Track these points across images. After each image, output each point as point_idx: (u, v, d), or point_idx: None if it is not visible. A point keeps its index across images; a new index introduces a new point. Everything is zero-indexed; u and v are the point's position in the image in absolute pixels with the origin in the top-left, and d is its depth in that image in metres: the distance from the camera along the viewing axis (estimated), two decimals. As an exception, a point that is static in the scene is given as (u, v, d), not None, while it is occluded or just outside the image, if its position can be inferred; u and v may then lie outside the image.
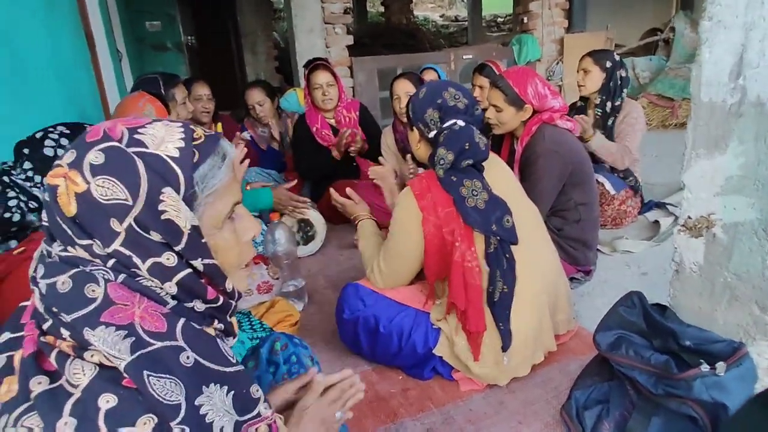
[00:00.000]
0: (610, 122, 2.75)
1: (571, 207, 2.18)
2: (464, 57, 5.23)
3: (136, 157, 0.60)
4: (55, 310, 0.57)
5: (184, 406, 0.57)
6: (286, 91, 4.03)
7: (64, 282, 0.57)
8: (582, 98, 2.92)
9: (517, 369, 1.51)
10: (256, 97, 3.19)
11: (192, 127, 0.67)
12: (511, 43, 5.56)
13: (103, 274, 0.59)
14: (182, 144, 0.63)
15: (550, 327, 1.56)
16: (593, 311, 1.89)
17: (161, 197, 0.60)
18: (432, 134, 1.52)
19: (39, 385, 0.56)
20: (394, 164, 2.78)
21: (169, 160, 0.61)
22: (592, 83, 2.78)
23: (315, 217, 2.59)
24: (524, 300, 1.49)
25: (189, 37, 8.69)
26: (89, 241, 0.59)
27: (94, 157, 0.58)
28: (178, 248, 0.62)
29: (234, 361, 0.65)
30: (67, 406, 0.54)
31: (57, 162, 0.60)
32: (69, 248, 0.59)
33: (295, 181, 2.62)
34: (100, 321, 0.56)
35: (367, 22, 10.13)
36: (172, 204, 0.60)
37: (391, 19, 9.20)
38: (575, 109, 2.95)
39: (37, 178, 1.42)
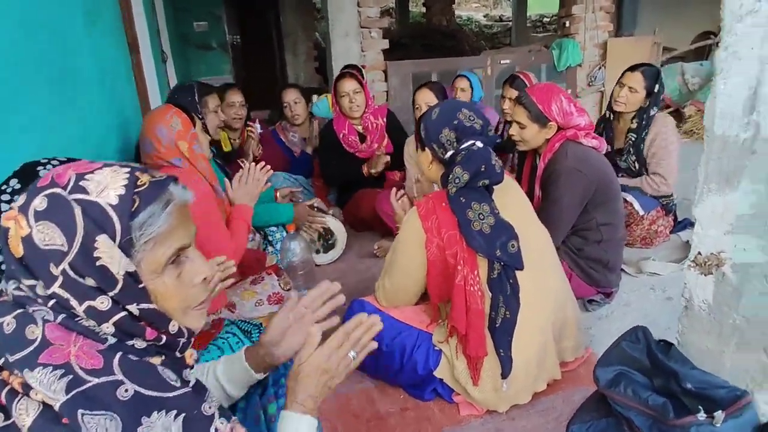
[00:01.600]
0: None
1: (593, 227, 2.12)
2: (501, 62, 5.14)
3: (75, 204, 0.62)
4: (3, 350, 0.60)
5: None
6: (319, 97, 4.08)
7: (8, 323, 0.61)
8: (610, 109, 2.81)
9: (518, 396, 1.49)
10: (291, 95, 3.28)
11: (138, 174, 0.68)
12: (550, 48, 5.43)
13: (43, 315, 0.62)
14: (123, 191, 0.65)
15: (554, 354, 1.53)
16: (609, 336, 1.83)
17: (95, 244, 0.62)
18: (449, 155, 1.50)
19: None
20: (417, 173, 2.78)
21: (107, 208, 0.64)
22: (634, 104, 2.63)
23: (336, 225, 2.62)
24: (527, 327, 1.47)
25: (234, 37, 8.92)
26: (33, 282, 0.62)
27: (39, 202, 0.62)
28: (112, 294, 0.64)
29: (178, 386, 0.66)
30: None
31: (11, 205, 0.64)
32: (21, 286, 0.63)
33: (316, 200, 2.66)
34: (38, 362, 0.59)
35: (409, 22, 10.10)
36: (106, 251, 0.63)
37: (431, 20, 9.14)
38: (603, 122, 2.85)
39: None
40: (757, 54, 1.03)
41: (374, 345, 0.96)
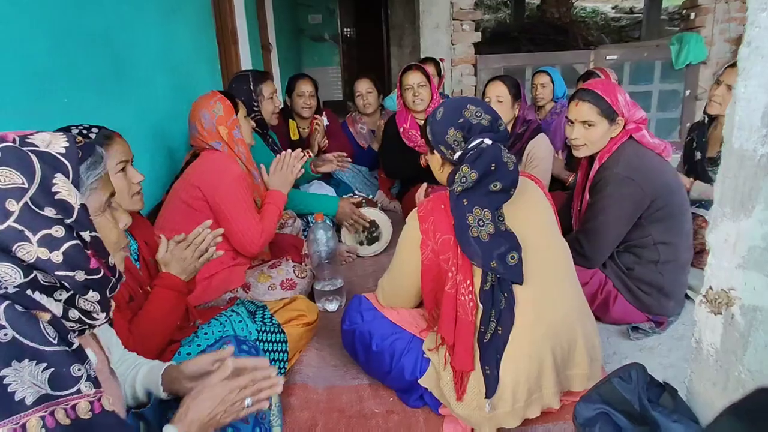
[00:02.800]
0: None
1: (648, 245, 1.88)
2: (607, 58, 4.73)
3: (29, 152, 0.73)
4: None
5: None
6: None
7: None
8: (707, 115, 2.45)
9: (505, 419, 1.37)
10: (365, 85, 3.34)
11: (73, 135, 0.81)
12: (669, 43, 4.87)
13: None
14: (67, 144, 0.77)
15: (553, 381, 1.38)
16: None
17: (54, 181, 0.73)
18: (457, 155, 1.41)
19: None
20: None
21: (57, 155, 0.75)
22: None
23: (382, 219, 2.61)
24: (521, 346, 1.34)
25: (347, 29, 9.22)
26: None
27: None
28: (69, 221, 0.74)
29: (55, 343, 0.73)
30: None
31: None
32: None
33: (362, 198, 2.67)
34: None
35: (524, 15, 9.65)
36: (63, 186, 0.74)
37: (546, 13, 8.63)
38: (697, 127, 2.50)
39: None
40: (782, 50, 0.83)
41: (266, 405, 1.01)
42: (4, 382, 0.67)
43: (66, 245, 0.73)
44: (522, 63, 4.56)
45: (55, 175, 0.73)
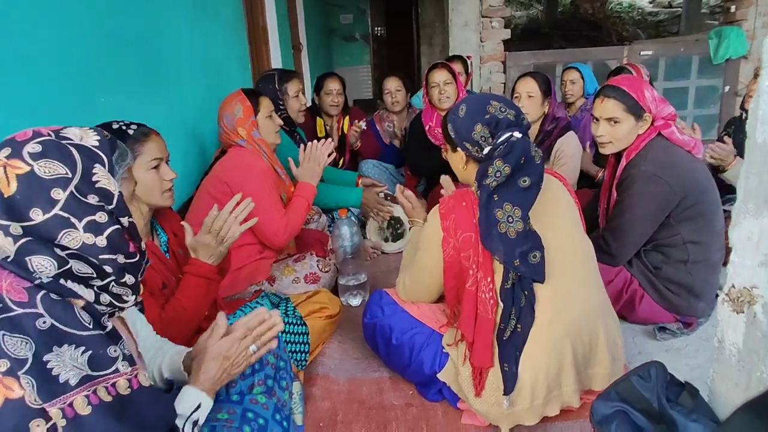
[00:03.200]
0: None
1: (677, 244, 1.84)
2: (641, 53, 4.61)
3: (68, 144, 0.79)
4: None
5: (30, 361, 0.71)
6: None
7: None
8: (744, 110, 2.37)
9: (523, 416, 1.37)
10: (394, 83, 3.36)
11: (100, 129, 0.86)
12: (707, 37, 4.71)
13: None
14: (99, 137, 0.84)
15: (572, 380, 1.37)
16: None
17: (93, 170, 0.80)
18: (486, 151, 1.41)
19: None
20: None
21: (93, 147, 0.82)
22: None
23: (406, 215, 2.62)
24: (540, 343, 1.34)
25: (377, 29, 9.26)
26: (7, 222, 0.75)
27: (32, 147, 0.77)
28: (110, 207, 0.80)
29: (90, 327, 0.78)
30: None
31: None
32: None
33: (386, 186, 2.68)
34: None
35: (557, 11, 9.47)
36: (103, 176, 0.81)
37: (579, 9, 8.46)
38: (733, 123, 2.42)
39: None
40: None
41: (273, 345, 1.05)
42: (48, 366, 0.72)
43: (109, 230, 0.80)
44: (552, 60, 4.49)
45: (94, 166, 0.80)
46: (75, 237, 0.77)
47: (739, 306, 0.99)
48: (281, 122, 2.12)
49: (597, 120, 1.89)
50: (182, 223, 1.44)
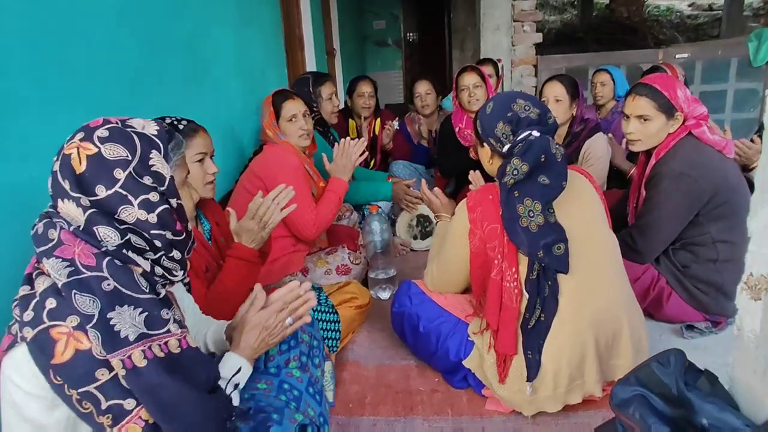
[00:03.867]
0: None
1: (707, 242, 1.84)
2: (677, 56, 4.54)
3: (131, 132, 0.90)
4: (36, 244, 0.86)
5: (96, 317, 0.81)
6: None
7: (38, 228, 0.87)
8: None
9: (545, 404, 1.41)
10: (424, 86, 3.44)
11: (160, 122, 0.96)
12: (747, 39, 4.61)
13: (60, 225, 0.86)
14: (158, 128, 0.94)
15: (595, 369, 1.41)
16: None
17: (150, 155, 0.89)
18: (506, 148, 1.47)
19: (23, 290, 0.86)
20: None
21: (152, 136, 0.92)
22: None
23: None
24: (563, 333, 1.38)
25: (410, 34, 9.37)
26: (79, 195, 0.85)
27: (101, 132, 0.88)
28: (162, 189, 0.89)
29: (147, 291, 0.88)
30: (31, 304, 0.83)
31: (70, 140, 0.88)
32: (58, 202, 0.86)
33: (414, 180, 2.75)
34: (53, 254, 0.83)
35: (592, 14, 9.38)
36: (158, 160, 0.90)
37: (614, 12, 8.35)
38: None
39: None
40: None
41: (308, 319, 1.14)
42: (111, 323, 0.82)
43: (160, 209, 0.89)
44: (584, 63, 4.48)
45: (152, 151, 0.89)
46: (131, 213, 0.86)
47: (756, 293, 1.02)
48: (305, 126, 2.15)
49: (627, 117, 1.91)
50: (228, 209, 1.55)
